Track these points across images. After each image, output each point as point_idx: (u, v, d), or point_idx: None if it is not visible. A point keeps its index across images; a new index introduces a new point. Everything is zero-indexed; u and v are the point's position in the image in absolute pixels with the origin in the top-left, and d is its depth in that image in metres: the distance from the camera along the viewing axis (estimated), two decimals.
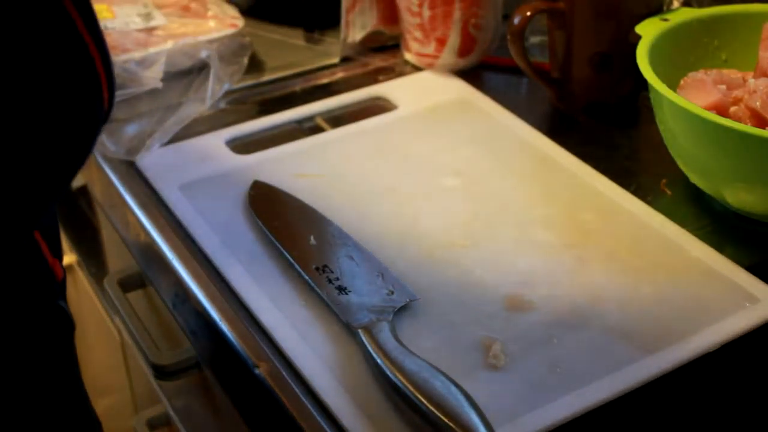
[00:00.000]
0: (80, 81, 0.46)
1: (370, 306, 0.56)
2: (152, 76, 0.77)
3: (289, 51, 0.91)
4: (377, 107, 0.82)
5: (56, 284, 0.52)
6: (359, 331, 0.54)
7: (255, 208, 0.66)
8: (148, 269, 0.71)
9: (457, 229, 0.65)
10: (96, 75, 0.47)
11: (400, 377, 0.50)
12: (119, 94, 0.76)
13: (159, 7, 0.85)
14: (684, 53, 0.72)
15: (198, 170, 0.72)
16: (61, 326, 0.52)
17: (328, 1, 0.90)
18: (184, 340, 0.68)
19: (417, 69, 0.87)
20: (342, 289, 0.58)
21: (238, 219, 0.66)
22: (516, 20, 0.75)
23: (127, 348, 0.96)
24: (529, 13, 0.75)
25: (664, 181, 0.71)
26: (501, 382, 0.53)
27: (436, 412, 0.48)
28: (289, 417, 0.53)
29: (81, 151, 0.48)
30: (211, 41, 0.81)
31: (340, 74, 0.87)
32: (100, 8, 0.83)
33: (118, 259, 0.89)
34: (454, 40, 0.84)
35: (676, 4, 0.80)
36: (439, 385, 0.49)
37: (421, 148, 0.74)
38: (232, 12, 0.86)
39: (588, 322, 0.57)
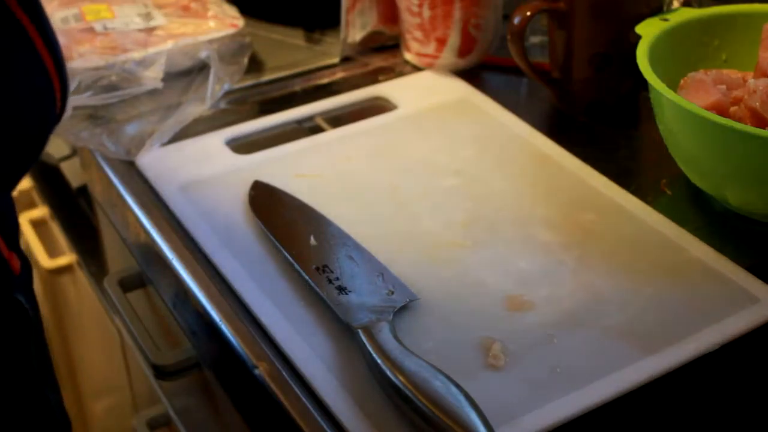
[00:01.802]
0: (32, 85, 0.47)
1: (370, 306, 0.56)
2: (152, 76, 0.77)
3: (289, 51, 0.91)
4: (377, 107, 0.82)
5: (13, 277, 0.52)
6: (359, 331, 0.54)
7: (255, 208, 0.66)
8: (148, 269, 0.71)
9: (457, 229, 0.65)
10: (49, 79, 0.47)
11: (400, 377, 0.50)
12: (119, 95, 0.76)
13: (159, 7, 0.85)
14: (684, 53, 0.72)
15: (198, 170, 0.72)
16: (17, 319, 0.52)
17: (328, 1, 0.90)
18: (184, 340, 0.68)
19: (417, 69, 0.87)
20: (342, 289, 0.58)
21: (238, 219, 0.66)
22: (516, 20, 0.75)
23: (127, 348, 0.96)
24: (529, 13, 0.75)
25: (664, 181, 0.71)
26: (501, 382, 0.53)
27: (436, 412, 0.48)
28: (289, 417, 0.53)
29: (31, 149, 0.49)
30: (211, 41, 0.81)
31: (340, 74, 0.87)
32: (99, 8, 0.83)
33: (118, 259, 0.89)
34: (454, 40, 0.84)
35: (676, 4, 0.80)
36: (439, 385, 0.49)
37: (421, 148, 0.74)
38: (232, 12, 0.86)
39: (588, 322, 0.57)
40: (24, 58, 0.47)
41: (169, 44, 0.79)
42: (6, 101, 0.46)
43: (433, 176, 0.71)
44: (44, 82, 0.48)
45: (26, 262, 0.53)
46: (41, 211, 1.27)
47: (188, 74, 0.81)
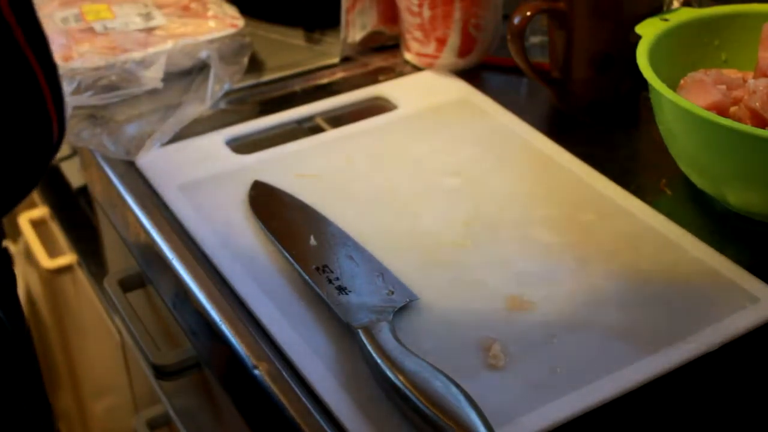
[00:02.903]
0: (31, 116, 0.48)
1: (370, 306, 0.56)
2: (152, 76, 0.77)
3: (289, 51, 0.91)
4: (377, 107, 0.82)
5: None
6: (359, 331, 0.54)
7: (255, 208, 0.66)
8: (148, 269, 0.71)
9: (457, 229, 0.65)
10: (46, 112, 0.48)
11: (400, 377, 0.50)
12: (119, 95, 0.76)
13: (159, 7, 0.85)
14: (684, 53, 0.72)
15: (198, 170, 0.72)
16: None
17: (328, 1, 0.90)
18: (184, 340, 0.68)
19: (417, 69, 0.87)
20: (342, 289, 0.58)
21: (238, 219, 0.66)
22: (516, 20, 0.75)
23: (127, 348, 0.96)
24: (529, 13, 0.75)
25: (664, 181, 0.71)
26: (501, 382, 0.53)
27: (436, 412, 0.48)
28: (289, 417, 0.53)
29: (27, 179, 0.50)
30: (211, 41, 0.81)
31: (340, 74, 0.87)
32: (100, 8, 0.83)
33: (118, 259, 0.89)
34: (454, 40, 0.84)
35: (676, 4, 0.80)
36: (439, 385, 0.49)
37: (421, 148, 0.74)
38: (232, 12, 0.86)
39: (588, 322, 0.57)
40: (27, 95, 0.47)
41: (169, 44, 0.79)
42: (4, 136, 0.47)
43: (433, 176, 0.71)
44: (43, 116, 0.48)
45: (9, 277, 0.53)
46: (41, 211, 1.27)
47: (188, 74, 0.81)
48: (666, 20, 0.71)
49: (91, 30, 0.80)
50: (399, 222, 0.66)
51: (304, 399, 0.53)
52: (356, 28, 0.88)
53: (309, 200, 0.67)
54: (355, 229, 0.64)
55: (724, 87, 0.66)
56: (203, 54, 0.80)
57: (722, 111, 0.64)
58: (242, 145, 0.76)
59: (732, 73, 0.70)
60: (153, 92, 0.77)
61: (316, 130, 0.79)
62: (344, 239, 0.63)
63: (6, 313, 0.53)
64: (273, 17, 0.95)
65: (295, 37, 0.94)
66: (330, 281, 0.59)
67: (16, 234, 1.32)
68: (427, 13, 0.83)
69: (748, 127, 0.60)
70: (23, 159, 0.49)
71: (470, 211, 0.67)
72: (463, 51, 0.85)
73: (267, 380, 0.55)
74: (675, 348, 0.55)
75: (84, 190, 0.91)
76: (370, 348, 0.53)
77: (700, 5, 0.80)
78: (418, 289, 0.59)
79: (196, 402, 0.77)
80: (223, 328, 0.58)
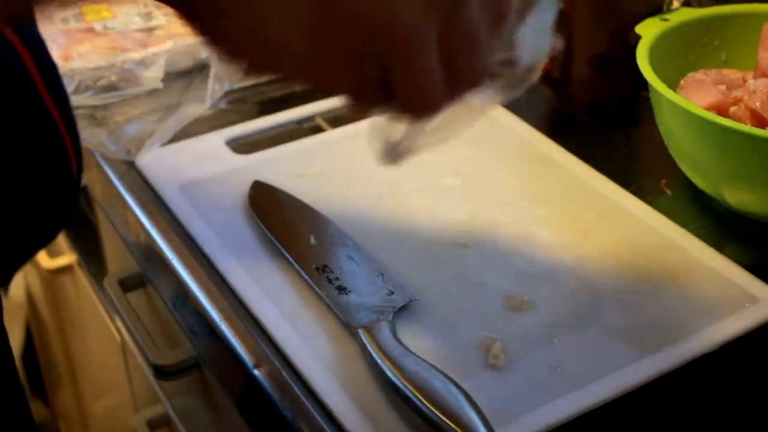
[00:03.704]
0: (52, 157, 0.51)
1: (370, 306, 0.56)
2: (152, 76, 0.77)
3: None
4: None
5: None
6: (359, 331, 0.54)
7: (255, 208, 0.66)
8: (148, 269, 0.71)
9: (457, 229, 0.65)
10: (67, 158, 0.50)
11: (400, 377, 0.50)
12: (119, 95, 0.76)
13: (159, 7, 0.85)
14: (684, 53, 0.72)
15: (198, 170, 0.72)
16: None
17: None
18: (184, 340, 0.68)
19: None
20: (342, 289, 0.58)
21: (238, 219, 0.66)
22: None
23: (127, 348, 0.96)
24: None
25: (664, 181, 0.71)
26: (501, 382, 0.53)
27: (436, 412, 0.48)
28: (289, 417, 0.53)
29: (59, 213, 0.52)
30: None
31: None
32: (99, 8, 0.83)
33: (118, 259, 0.89)
34: None
35: (676, 4, 0.80)
36: (439, 385, 0.49)
37: None
38: None
39: (588, 322, 0.57)
40: (50, 145, 0.49)
41: (169, 44, 0.79)
42: (30, 178, 0.48)
43: (433, 176, 0.71)
44: (63, 160, 0.50)
45: None
46: None
47: (188, 74, 0.81)
48: (666, 20, 0.71)
49: (91, 30, 0.80)
50: (399, 222, 0.66)
51: (304, 399, 0.53)
52: None
53: (309, 200, 0.67)
54: (355, 229, 0.64)
55: (724, 87, 0.66)
56: (203, 54, 0.80)
57: (722, 111, 0.64)
58: (242, 145, 0.76)
59: (732, 73, 0.70)
60: (153, 92, 0.77)
61: (317, 130, 0.79)
62: (344, 239, 0.63)
63: None
64: None
65: None
66: (330, 281, 0.59)
67: None
68: None
69: (748, 127, 0.60)
70: (50, 198, 0.50)
71: (470, 211, 0.67)
72: None
73: (267, 380, 0.55)
74: (675, 348, 0.55)
75: (84, 190, 0.91)
76: (370, 348, 0.53)
77: (700, 5, 0.80)
78: (418, 289, 0.59)
79: (196, 402, 0.77)
80: (223, 328, 0.58)
